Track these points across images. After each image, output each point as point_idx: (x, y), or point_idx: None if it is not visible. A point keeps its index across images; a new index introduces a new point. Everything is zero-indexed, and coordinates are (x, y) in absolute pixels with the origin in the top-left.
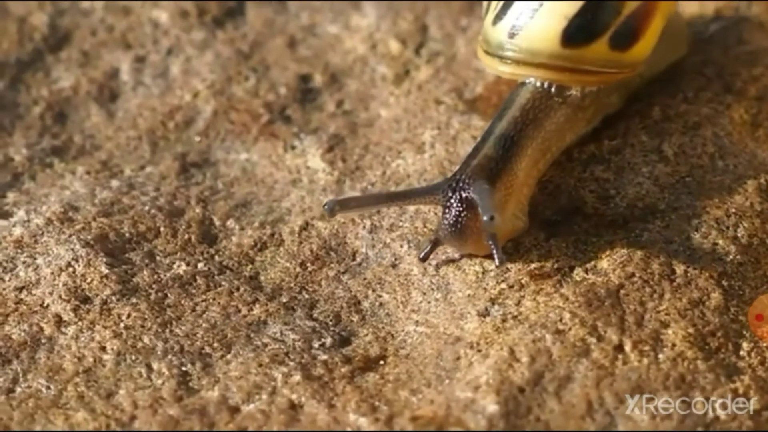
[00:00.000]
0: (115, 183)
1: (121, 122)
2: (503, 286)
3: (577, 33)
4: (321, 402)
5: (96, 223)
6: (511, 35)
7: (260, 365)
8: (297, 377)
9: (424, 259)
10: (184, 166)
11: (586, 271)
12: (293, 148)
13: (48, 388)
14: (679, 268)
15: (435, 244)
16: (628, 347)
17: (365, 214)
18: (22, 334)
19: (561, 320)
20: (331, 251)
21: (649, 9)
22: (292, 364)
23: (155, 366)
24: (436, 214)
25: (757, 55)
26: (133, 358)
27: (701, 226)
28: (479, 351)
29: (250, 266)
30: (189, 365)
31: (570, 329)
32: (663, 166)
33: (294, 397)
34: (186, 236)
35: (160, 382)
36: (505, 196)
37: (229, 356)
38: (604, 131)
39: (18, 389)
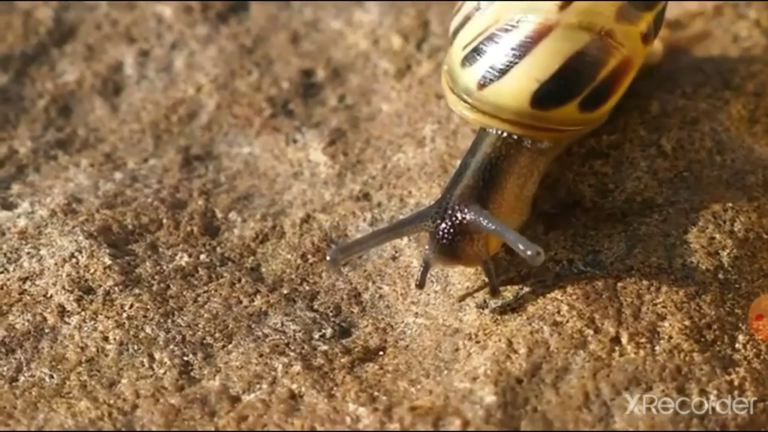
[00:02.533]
0: (118, 175)
1: (124, 115)
2: (502, 278)
3: (547, 97)
4: (321, 392)
5: (99, 214)
6: (480, 86)
7: (261, 355)
8: (297, 367)
9: (421, 286)
10: (187, 159)
11: (585, 264)
12: (295, 141)
13: (51, 377)
14: (677, 262)
15: (427, 267)
16: (624, 339)
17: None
18: (26, 323)
19: (559, 312)
20: (332, 243)
21: (625, 68)
22: (292, 354)
23: (157, 356)
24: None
25: (755, 51)
26: (136, 348)
27: (699, 220)
28: (477, 342)
29: (252, 258)
30: (190, 355)
31: (568, 321)
32: (661, 161)
33: (294, 386)
34: (188, 228)
35: (161, 371)
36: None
37: (230, 346)
38: (603, 126)
39: (21, 378)
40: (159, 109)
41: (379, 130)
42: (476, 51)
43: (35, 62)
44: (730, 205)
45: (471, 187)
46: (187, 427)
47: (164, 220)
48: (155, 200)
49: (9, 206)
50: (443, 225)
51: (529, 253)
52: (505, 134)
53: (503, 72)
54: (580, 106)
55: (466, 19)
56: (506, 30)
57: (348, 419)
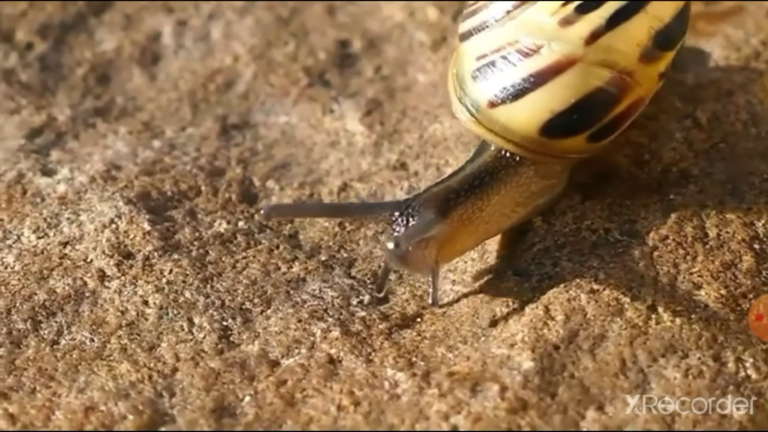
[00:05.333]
0: (156, 143)
1: (162, 84)
2: (539, 246)
3: (558, 128)
4: (359, 357)
5: (138, 181)
6: (491, 105)
7: (299, 321)
8: (336, 333)
9: (380, 291)
10: (224, 127)
11: (621, 233)
12: (332, 111)
13: (92, 340)
14: (712, 231)
15: (386, 271)
16: (661, 307)
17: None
18: (67, 287)
19: (596, 280)
20: None
21: (638, 105)
22: (330, 320)
23: (196, 320)
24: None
25: None
26: (175, 312)
27: (734, 191)
28: (515, 309)
29: (290, 225)
30: (230, 320)
31: (604, 289)
32: (697, 132)
33: (333, 351)
34: (226, 195)
35: (201, 335)
36: (457, 228)
37: (268, 312)
38: None
39: (62, 341)
40: (196, 78)
41: (416, 100)
42: (491, 66)
43: (74, 31)
44: (766, 176)
45: (450, 189)
46: (226, 391)
47: (203, 187)
48: (194, 168)
49: (49, 172)
50: (398, 222)
51: (389, 245)
52: (508, 154)
53: (517, 96)
54: (588, 137)
55: (483, 25)
56: (527, 54)
57: (386, 384)
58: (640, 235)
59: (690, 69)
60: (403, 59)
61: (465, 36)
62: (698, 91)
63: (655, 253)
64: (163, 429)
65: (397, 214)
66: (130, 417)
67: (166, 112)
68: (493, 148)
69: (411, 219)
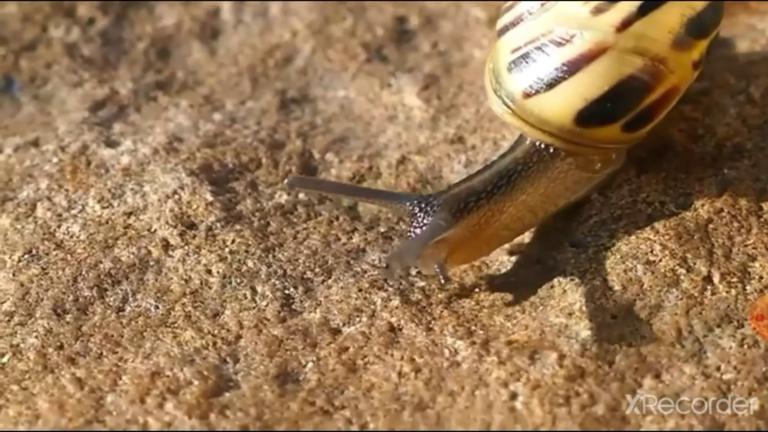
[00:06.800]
0: (217, 116)
1: (222, 59)
2: (596, 219)
3: (592, 116)
4: (419, 325)
5: (200, 153)
6: (526, 95)
7: (360, 290)
8: (396, 302)
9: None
10: (283, 101)
11: (676, 206)
12: (390, 86)
13: (156, 307)
14: (766, 205)
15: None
16: (716, 278)
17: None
18: (131, 256)
19: (652, 252)
20: (428, 184)
21: (672, 95)
22: (390, 289)
23: (259, 289)
24: None
25: None
26: (238, 281)
27: None
28: (572, 280)
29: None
30: (291, 289)
31: (660, 260)
32: (750, 108)
33: (393, 320)
34: (287, 167)
35: (264, 303)
36: (472, 233)
37: (329, 281)
38: None
39: (128, 308)
40: (256, 53)
41: (472, 75)
42: (525, 58)
43: (134, 6)
44: None
45: (471, 191)
46: (289, 357)
47: (263, 160)
48: (254, 140)
49: (112, 144)
50: (417, 217)
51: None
52: (542, 145)
53: (551, 85)
54: (623, 126)
55: (518, 20)
56: (559, 43)
57: (446, 351)
58: (695, 208)
59: (741, 45)
60: (459, 35)
61: (501, 32)
62: (751, 67)
63: (710, 226)
64: (227, 394)
65: (417, 210)
66: (196, 382)
67: (226, 86)
68: (528, 141)
69: (428, 217)
